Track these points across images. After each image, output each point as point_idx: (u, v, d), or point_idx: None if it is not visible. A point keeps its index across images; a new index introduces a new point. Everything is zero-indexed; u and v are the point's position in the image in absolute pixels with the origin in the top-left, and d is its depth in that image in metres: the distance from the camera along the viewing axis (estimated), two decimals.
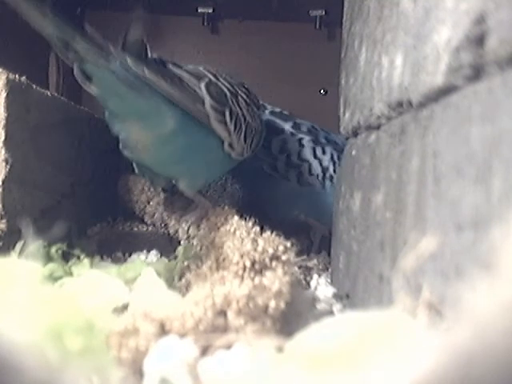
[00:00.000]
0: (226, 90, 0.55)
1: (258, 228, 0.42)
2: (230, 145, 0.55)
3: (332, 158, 0.67)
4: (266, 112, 0.71)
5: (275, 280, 0.32)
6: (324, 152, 0.67)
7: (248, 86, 0.62)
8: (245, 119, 0.56)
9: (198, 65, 0.58)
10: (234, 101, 0.55)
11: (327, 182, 0.67)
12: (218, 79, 0.55)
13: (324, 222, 0.66)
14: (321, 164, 0.67)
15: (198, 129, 0.52)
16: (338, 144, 0.68)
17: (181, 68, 0.53)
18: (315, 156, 0.67)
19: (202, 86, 0.52)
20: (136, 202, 0.70)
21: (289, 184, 0.68)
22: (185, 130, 0.51)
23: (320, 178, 0.67)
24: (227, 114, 0.54)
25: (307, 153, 0.68)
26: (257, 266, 0.34)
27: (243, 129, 0.56)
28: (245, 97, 0.58)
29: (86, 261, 0.45)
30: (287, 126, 0.69)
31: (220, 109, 0.53)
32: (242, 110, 0.56)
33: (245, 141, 0.57)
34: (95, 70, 0.44)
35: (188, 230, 0.57)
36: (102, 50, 0.43)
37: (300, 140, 0.68)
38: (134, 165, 0.58)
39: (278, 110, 0.72)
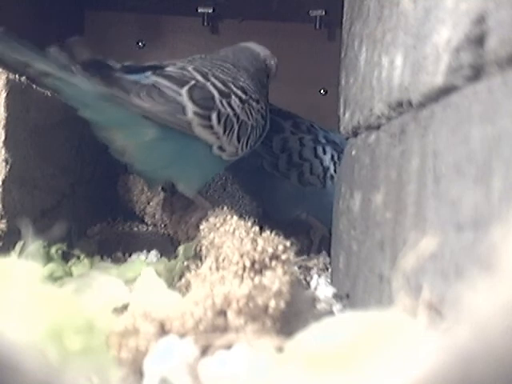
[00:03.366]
0: (215, 91, 0.53)
1: (257, 228, 0.42)
2: (220, 147, 0.54)
3: (332, 157, 0.67)
4: None
5: (275, 280, 0.32)
6: (325, 152, 0.68)
7: (250, 77, 0.60)
8: (238, 119, 0.55)
9: (196, 55, 0.57)
10: (225, 102, 0.54)
11: (328, 182, 0.67)
12: (208, 79, 0.53)
13: (325, 222, 0.66)
14: (322, 164, 0.67)
15: (182, 135, 0.51)
16: (337, 144, 0.68)
17: (161, 74, 0.51)
18: (316, 155, 0.67)
19: (184, 92, 0.50)
20: (136, 202, 0.70)
21: (289, 183, 0.68)
22: (168, 137, 0.51)
23: (321, 177, 0.67)
24: (214, 117, 0.52)
25: (308, 152, 0.68)
26: (256, 266, 0.34)
27: (235, 129, 0.55)
28: (240, 93, 0.56)
29: (86, 261, 0.45)
30: (287, 125, 0.69)
31: (205, 113, 0.51)
32: (235, 110, 0.55)
33: (238, 141, 0.56)
34: (61, 85, 0.44)
35: (188, 230, 0.57)
36: (65, 70, 0.43)
37: (301, 139, 0.68)
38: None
39: (276, 107, 0.71)
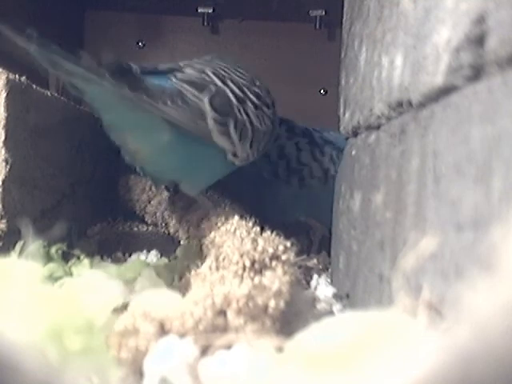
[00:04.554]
0: (232, 97, 0.53)
1: (258, 228, 0.42)
2: (234, 153, 0.54)
3: (331, 158, 0.67)
4: None
5: (275, 280, 0.32)
6: (323, 153, 0.67)
7: (260, 82, 0.60)
8: (252, 126, 0.55)
9: (211, 56, 0.57)
10: (241, 108, 0.53)
11: (329, 182, 0.66)
12: (225, 83, 0.53)
13: (326, 224, 0.66)
14: (321, 166, 0.67)
15: (197, 140, 0.51)
16: (334, 143, 0.68)
17: (183, 79, 0.51)
18: (315, 159, 0.67)
19: (206, 99, 0.50)
20: (137, 201, 0.70)
21: (290, 188, 0.68)
22: (183, 141, 0.50)
23: (322, 180, 0.67)
24: (231, 124, 0.52)
25: (306, 156, 0.67)
26: (257, 266, 0.34)
27: (249, 136, 0.55)
28: (255, 99, 0.56)
29: (86, 261, 0.45)
30: (281, 131, 0.69)
31: (223, 121, 0.51)
32: (250, 117, 0.54)
33: (250, 147, 0.55)
34: (86, 85, 0.44)
35: (188, 229, 0.57)
36: (93, 74, 0.43)
37: (297, 144, 0.68)
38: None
39: None
